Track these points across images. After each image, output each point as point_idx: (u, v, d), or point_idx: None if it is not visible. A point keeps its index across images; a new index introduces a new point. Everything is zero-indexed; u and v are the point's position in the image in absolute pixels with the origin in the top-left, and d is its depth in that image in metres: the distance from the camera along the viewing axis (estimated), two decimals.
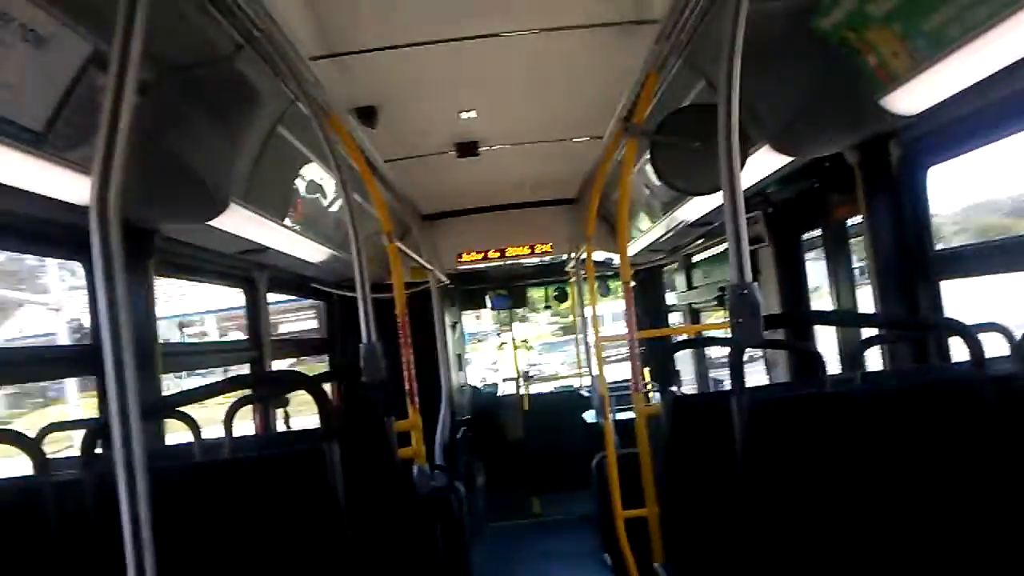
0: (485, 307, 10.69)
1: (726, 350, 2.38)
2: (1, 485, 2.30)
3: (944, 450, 2.09)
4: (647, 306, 9.34)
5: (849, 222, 4.27)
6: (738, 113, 1.89)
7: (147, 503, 1.33)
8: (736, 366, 1.97)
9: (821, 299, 4.90)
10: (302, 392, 2.45)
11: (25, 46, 2.19)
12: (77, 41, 2.33)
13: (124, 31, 1.50)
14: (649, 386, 7.31)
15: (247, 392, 3.16)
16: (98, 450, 2.27)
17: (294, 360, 7.72)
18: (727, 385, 2.18)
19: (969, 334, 2.15)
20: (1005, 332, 2.48)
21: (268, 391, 2.63)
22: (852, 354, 2.70)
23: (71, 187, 2.61)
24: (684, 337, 7.24)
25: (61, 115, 2.42)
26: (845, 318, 3.26)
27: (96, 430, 2.26)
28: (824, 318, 3.57)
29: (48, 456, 2.21)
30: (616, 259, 5.04)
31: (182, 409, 2.64)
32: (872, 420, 2.12)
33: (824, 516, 2.10)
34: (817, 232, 4.64)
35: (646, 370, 8.32)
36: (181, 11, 2.51)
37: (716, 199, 3.84)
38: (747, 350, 2.16)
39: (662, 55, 3.39)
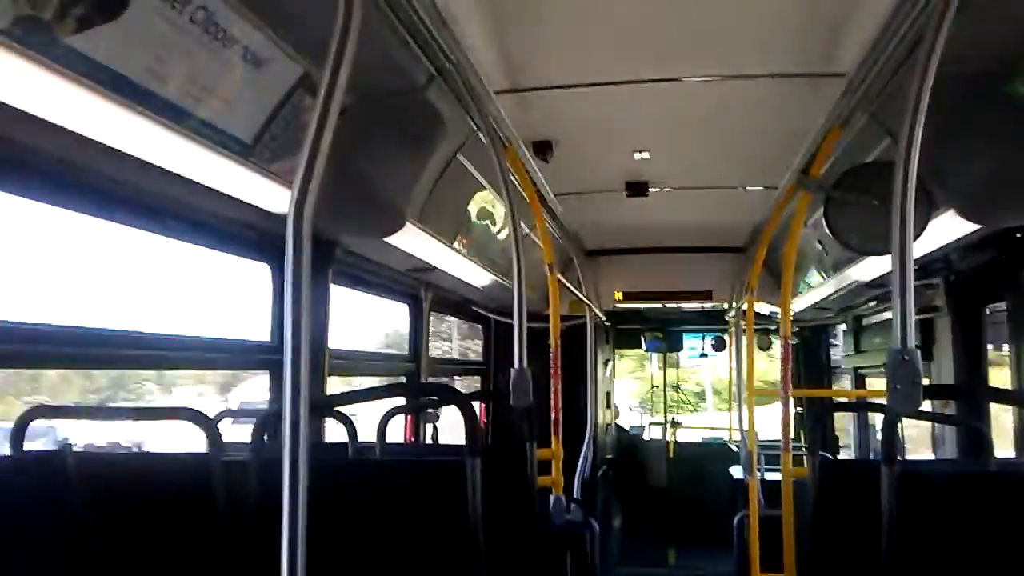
0: (639, 348, 10.61)
1: None
2: (178, 458, 2.54)
3: None
4: (808, 365, 8.97)
5: None
6: (921, 174, 1.82)
7: (305, 491, 1.45)
8: (889, 434, 1.89)
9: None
10: (451, 409, 2.56)
11: (244, 66, 2.44)
12: (290, 64, 2.57)
13: (336, 57, 1.65)
14: (803, 448, 7.01)
15: (402, 402, 3.32)
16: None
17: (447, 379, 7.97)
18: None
19: None
20: None
21: (421, 403, 2.76)
22: None
23: (269, 196, 2.86)
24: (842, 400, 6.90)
25: (268, 130, 2.67)
26: (1020, 398, 3.02)
27: (267, 419, 2.45)
28: (996, 396, 3.32)
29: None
30: (778, 313, 4.90)
31: (341, 410, 2.82)
32: None
33: None
34: (1001, 305, 4.35)
35: (801, 431, 8.00)
36: (384, 42, 2.71)
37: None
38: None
39: (847, 110, 3.31)
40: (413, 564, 2.23)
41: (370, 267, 4.44)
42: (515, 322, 3.21)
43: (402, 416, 5.25)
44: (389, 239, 3.65)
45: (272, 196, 2.86)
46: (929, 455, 5.24)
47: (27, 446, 2.37)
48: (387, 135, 3.25)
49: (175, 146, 2.35)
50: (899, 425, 2.06)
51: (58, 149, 2.32)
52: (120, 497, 2.35)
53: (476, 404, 7.29)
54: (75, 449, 2.36)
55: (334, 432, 2.98)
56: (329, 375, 3.91)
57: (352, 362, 4.56)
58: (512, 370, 3.20)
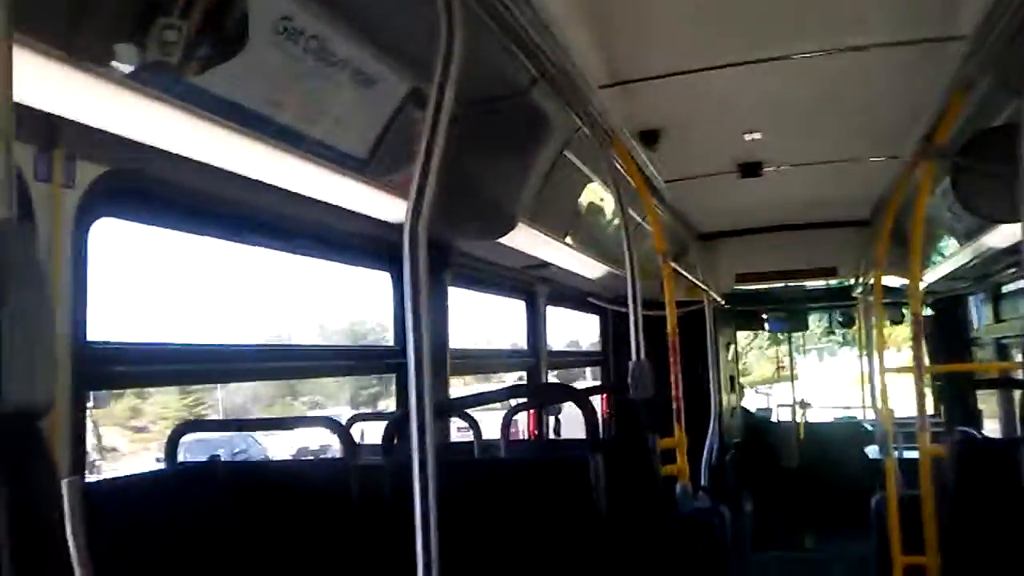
0: (763, 329, 10.36)
1: None
2: (317, 464, 2.69)
3: None
4: (944, 338, 8.55)
5: None
6: None
7: (435, 491, 1.52)
8: None
9: None
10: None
11: (353, 85, 2.54)
12: (398, 81, 2.67)
13: (442, 71, 1.71)
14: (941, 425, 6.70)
15: (523, 400, 3.39)
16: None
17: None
18: None
19: None
20: None
21: (542, 400, 2.82)
22: None
23: (386, 207, 2.97)
24: (982, 375, 6.56)
25: (382, 145, 2.77)
26: None
27: (395, 422, 2.56)
28: None
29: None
30: (908, 285, 4.70)
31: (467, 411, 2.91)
32: None
33: None
34: None
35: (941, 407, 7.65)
36: (486, 50, 2.77)
37: None
38: None
39: (970, 73, 3.15)
40: (543, 560, 2.29)
41: (486, 267, 4.53)
42: (631, 313, 3.23)
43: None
44: (502, 240, 3.72)
45: (389, 207, 2.97)
46: None
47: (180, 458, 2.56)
48: (494, 140, 3.31)
49: (295, 167, 2.48)
50: None
51: (190, 180, 2.48)
52: (266, 503, 2.51)
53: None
54: (224, 459, 2.53)
55: (461, 432, 3.08)
56: (452, 375, 4.03)
57: (474, 361, 4.68)
58: (631, 362, 3.21)
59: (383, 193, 2.84)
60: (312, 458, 2.85)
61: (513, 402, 3.33)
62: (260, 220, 2.89)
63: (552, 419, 5.64)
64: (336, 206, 2.90)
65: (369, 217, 3.01)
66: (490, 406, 3.15)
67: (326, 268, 3.57)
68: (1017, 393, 6.18)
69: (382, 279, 3.80)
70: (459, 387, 6.16)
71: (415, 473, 1.53)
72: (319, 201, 2.79)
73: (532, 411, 5.30)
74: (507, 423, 2.78)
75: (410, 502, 1.52)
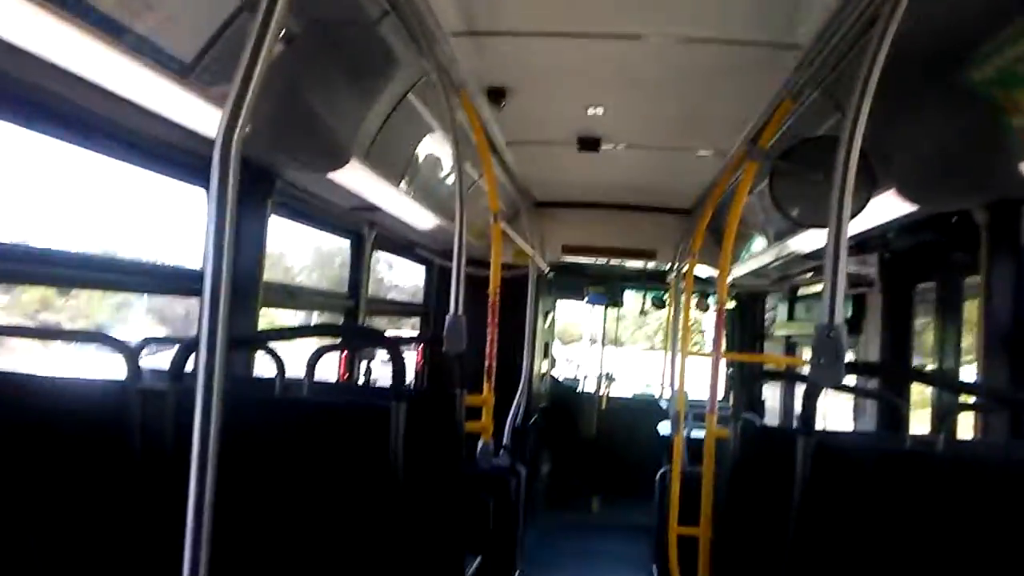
0: (582, 300, 10.70)
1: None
2: (93, 383, 2.47)
3: (1010, 535, 2.01)
4: (743, 330, 9.16)
5: (967, 282, 4.10)
6: (867, 152, 1.83)
7: (218, 424, 1.43)
8: (809, 406, 1.94)
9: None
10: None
11: None
12: None
13: None
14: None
15: (335, 340, 3.29)
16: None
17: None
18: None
19: None
20: None
21: (350, 342, 2.74)
22: (942, 416, 2.60)
23: (207, 119, 2.76)
24: (771, 367, 7.09)
25: (209, 52, 2.56)
26: (938, 380, 3.13)
27: (187, 348, 2.40)
28: (918, 376, 3.44)
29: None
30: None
31: (271, 345, 2.78)
32: (936, 489, 2.05)
33: (873, 573, 2.05)
34: (931, 285, 4.48)
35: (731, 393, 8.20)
36: None
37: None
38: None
39: (800, 82, 3.32)
40: (331, 507, 2.23)
41: (314, 201, 4.35)
42: (454, 267, 3.20)
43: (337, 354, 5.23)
44: (332, 175, 3.57)
45: (210, 120, 2.76)
46: (850, 425, 5.42)
47: None
48: (336, 67, 3.17)
49: (111, 61, 2.25)
50: (820, 396, 2.10)
51: None
52: (30, 420, 2.29)
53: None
54: None
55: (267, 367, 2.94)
56: (264, 306, 3.85)
57: (289, 296, 4.50)
58: (447, 316, 3.19)
59: (205, 103, 2.63)
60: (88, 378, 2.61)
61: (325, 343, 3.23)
62: (61, 111, 2.61)
63: (364, 364, 5.56)
64: (153, 111, 2.66)
65: (187, 128, 2.78)
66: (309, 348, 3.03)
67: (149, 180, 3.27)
68: (801, 387, 6.72)
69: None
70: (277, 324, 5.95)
71: (198, 404, 1.43)
72: (134, 102, 2.55)
73: (344, 354, 5.19)
74: (313, 362, 2.68)
75: (192, 433, 1.42)
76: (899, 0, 1.85)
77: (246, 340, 3.00)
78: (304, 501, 2.26)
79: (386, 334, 5.21)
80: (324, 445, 2.28)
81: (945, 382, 3.20)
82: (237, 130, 1.48)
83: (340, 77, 3.25)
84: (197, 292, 3.49)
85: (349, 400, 2.48)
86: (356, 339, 2.92)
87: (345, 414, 2.29)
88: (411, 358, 8.01)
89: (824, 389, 2.09)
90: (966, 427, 3.48)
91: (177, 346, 2.42)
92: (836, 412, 6.19)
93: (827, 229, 1.87)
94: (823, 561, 2.06)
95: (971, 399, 3.40)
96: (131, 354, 2.34)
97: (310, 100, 3.15)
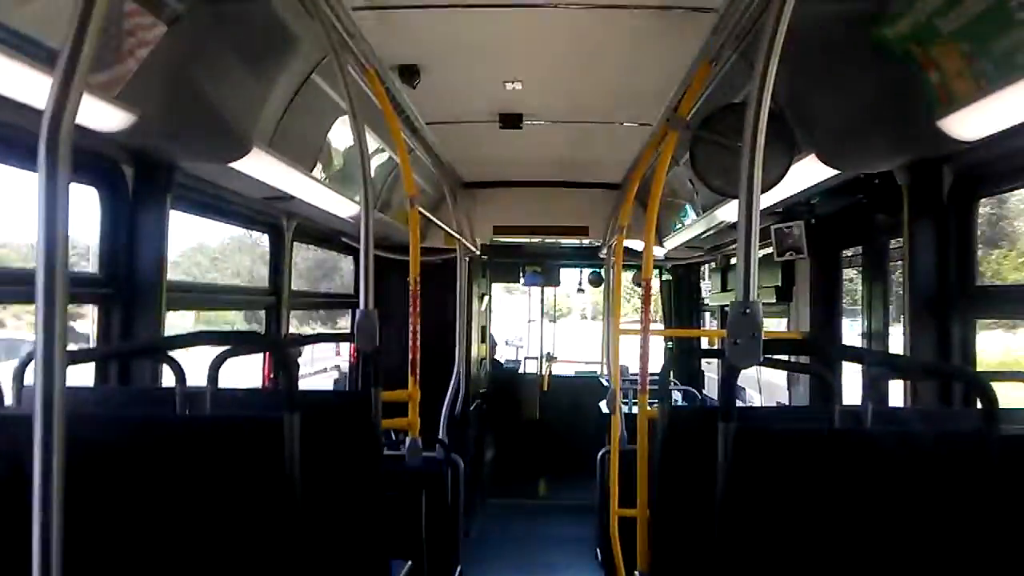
0: (518, 282, 10.60)
1: None
2: None
3: (935, 505, 1.95)
4: (680, 302, 9.17)
5: (892, 244, 4.09)
6: (785, 118, 1.73)
7: (62, 451, 1.25)
8: (728, 388, 1.84)
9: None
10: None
11: None
12: None
13: None
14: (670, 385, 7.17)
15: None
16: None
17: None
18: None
19: (985, 389, 2.00)
20: None
21: (234, 350, 2.49)
22: (872, 383, 2.55)
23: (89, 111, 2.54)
24: (706, 342, 7.10)
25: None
26: (865, 356, 3.10)
27: (26, 363, 2.20)
28: (843, 353, 3.40)
29: None
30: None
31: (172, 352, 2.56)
32: (859, 466, 1.99)
33: (800, 553, 1.98)
34: (858, 249, 4.48)
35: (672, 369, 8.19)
36: None
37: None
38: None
39: (716, 46, 3.23)
40: (226, 526, 2.03)
41: (222, 193, 4.13)
42: (362, 258, 3.04)
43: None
44: (235, 165, 3.37)
45: (91, 110, 2.54)
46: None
47: None
48: (229, 49, 2.96)
49: None
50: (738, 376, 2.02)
51: None
52: None
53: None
54: None
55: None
56: (172, 309, 3.64)
57: (200, 296, 4.28)
58: (358, 311, 3.03)
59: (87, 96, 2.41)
60: None
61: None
62: None
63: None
64: (31, 106, 2.42)
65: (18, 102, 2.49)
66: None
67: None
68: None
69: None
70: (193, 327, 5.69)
71: (36, 425, 1.25)
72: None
73: (267, 356, 4.97)
74: (214, 369, 2.47)
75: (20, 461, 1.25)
76: None
77: (157, 346, 2.75)
78: (196, 524, 2.05)
79: (318, 331, 5.01)
80: (216, 462, 2.07)
81: (872, 357, 3.18)
82: (70, 102, 1.31)
83: (234, 59, 3.04)
84: (97, 299, 3.27)
85: (230, 414, 2.26)
86: (244, 345, 2.68)
87: (228, 430, 2.08)
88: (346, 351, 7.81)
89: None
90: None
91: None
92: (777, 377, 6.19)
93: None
94: (752, 543, 1.98)
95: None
96: None
97: (203, 85, 2.94)
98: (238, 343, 2.61)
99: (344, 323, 8.16)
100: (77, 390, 2.29)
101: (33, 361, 1.28)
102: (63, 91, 1.31)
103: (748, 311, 1.69)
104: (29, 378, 2.33)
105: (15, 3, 2.14)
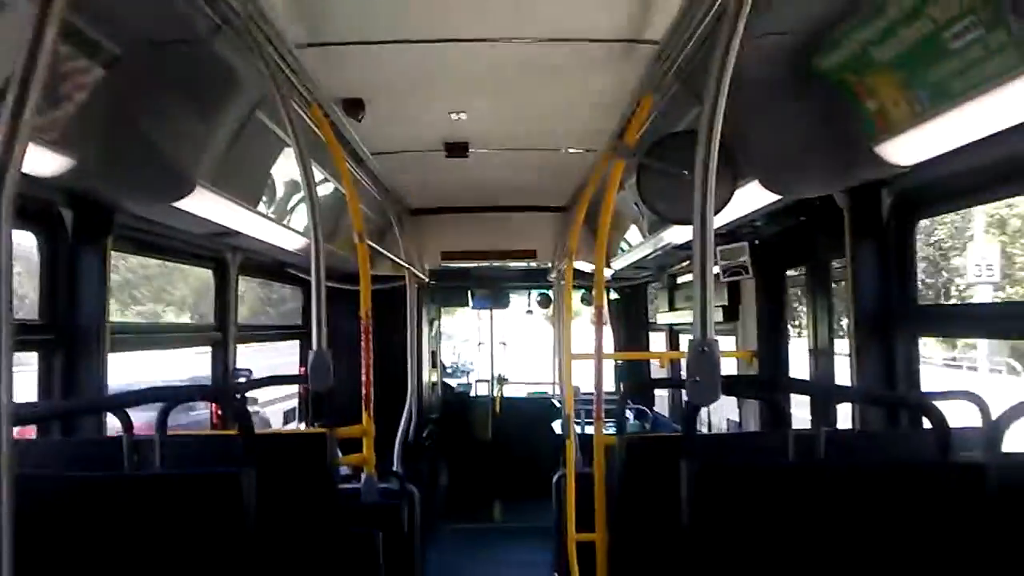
0: (467, 306, 10.59)
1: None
2: None
3: (895, 534, 1.99)
4: (629, 321, 9.24)
5: (834, 264, 4.18)
6: (729, 144, 1.75)
7: (11, 511, 1.18)
8: (689, 424, 1.86)
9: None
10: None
11: None
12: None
13: None
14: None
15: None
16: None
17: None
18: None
19: (937, 417, 2.05)
20: (981, 405, 2.39)
21: (178, 401, 2.41)
22: (823, 407, 2.59)
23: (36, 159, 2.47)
24: (656, 364, 7.17)
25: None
26: (813, 389, 3.17)
27: None
28: (794, 386, 3.47)
29: None
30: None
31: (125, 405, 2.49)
32: (817, 496, 2.02)
33: None
34: (802, 270, 4.56)
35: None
36: None
37: None
38: None
39: (658, 77, 3.28)
40: None
41: (164, 231, 4.04)
42: (314, 296, 2.99)
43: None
44: (179, 204, 3.30)
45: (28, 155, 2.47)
46: None
47: None
48: (169, 90, 2.91)
49: None
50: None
51: None
52: None
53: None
54: None
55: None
56: (115, 351, 3.53)
57: (143, 336, 4.17)
58: (311, 352, 2.98)
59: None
60: None
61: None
62: None
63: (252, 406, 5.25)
64: None
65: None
66: None
67: None
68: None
69: None
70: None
71: None
72: None
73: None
74: (162, 419, 2.40)
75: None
76: None
77: (85, 407, 2.64)
78: None
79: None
80: (170, 520, 1.99)
81: (822, 391, 3.25)
82: (13, 156, 1.26)
83: (175, 99, 2.99)
84: (37, 346, 3.16)
85: (195, 470, 2.18)
86: (185, 399, 2.57)
87: (191, 483, 2.01)
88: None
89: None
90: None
91: None
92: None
93: (692, 225, 1.77)
94: (714, 571, 2.00)
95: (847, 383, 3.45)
96: None
97: (143, 126, 2.89)
98: (188, 399, 2.54)
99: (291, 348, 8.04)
100: (18, 443, 2.20)
101: None
102: (8, 142, 1.26)
103: (706, 349, 1.70)
104: None
105: None
